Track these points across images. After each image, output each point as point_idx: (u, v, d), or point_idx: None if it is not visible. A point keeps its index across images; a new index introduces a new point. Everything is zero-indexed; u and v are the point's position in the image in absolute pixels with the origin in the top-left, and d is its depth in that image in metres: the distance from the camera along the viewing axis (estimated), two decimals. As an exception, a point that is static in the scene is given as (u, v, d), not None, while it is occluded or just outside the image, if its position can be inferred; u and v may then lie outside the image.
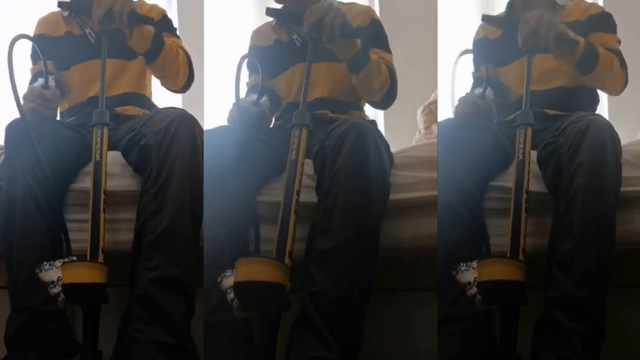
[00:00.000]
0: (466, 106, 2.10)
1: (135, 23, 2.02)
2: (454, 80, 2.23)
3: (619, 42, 2.19)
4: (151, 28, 2.08)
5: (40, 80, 2.11)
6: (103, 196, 1.88)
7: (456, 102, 2.15)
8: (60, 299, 1.82)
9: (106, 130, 1.94)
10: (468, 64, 2.34)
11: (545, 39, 1.94)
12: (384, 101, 2.19)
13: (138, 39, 2.06)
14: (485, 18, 2.15)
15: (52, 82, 2.11)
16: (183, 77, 2.20)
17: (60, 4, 2.20)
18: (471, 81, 2.33)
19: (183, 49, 2.21)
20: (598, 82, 2.15)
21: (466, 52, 2.31)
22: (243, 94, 2.29)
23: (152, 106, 2.32)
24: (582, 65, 2.06)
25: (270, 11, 2.13)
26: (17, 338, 1.91)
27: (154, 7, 2.34)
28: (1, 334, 1.94)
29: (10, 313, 1.93)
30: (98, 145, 1.93)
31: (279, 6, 2.25)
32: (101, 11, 1.96)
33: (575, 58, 2.03)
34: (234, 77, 1.98)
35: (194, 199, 1.92)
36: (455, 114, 2.14)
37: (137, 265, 1.91)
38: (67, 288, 1.80)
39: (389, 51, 2.24)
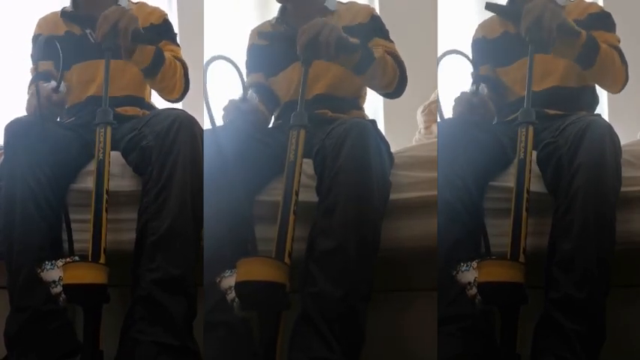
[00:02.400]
0: (461, 105, 2.10)
1: (138, 41, 2.01)
2: (438, 81, 2.21)
3: (619, 41, 2.19)
4: (152, 48, 2.08)
5: (53, 83, 2.10)
6: (105, 196, 1.88)
7: (450, 102, 2.16)
8: (61, 299, 1.82)
9: (109, 129, 1.95)
10: (467, 64, 2.34)
11: (549, 29, 1.92)
12: (396, 90, 2.18)
13: (139, 57, 2.06)
14: (489, 6, 2.13)
15: (63, 88, 2.10)
16: (178, 91, 2.22)
17: (63, 14, 2.20)
18: (470, 81, 2.33)
19: (181, 61, 2.22)
20: (598, 77, 2.13)
21: (450, 52, 2.26)
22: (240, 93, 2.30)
23: (151, 107, 2.32)
24: (583, 58, 2.03)
25: (263, 35, 2.14)
26: (18, 338, 1.91)
27: (155, 10, 2.34)
28: (2, 334, 1.94)
29: (10, 312, 1.93)
30: (101, 144, 1.93)
31: (277, 6, 2.26)
32: (106, 27, 1.96)
33: (577, 49, 2.01)
34: (202, 81, 1.98)
35: (195, 199, 1.92)
36: (452, 114, 2.14)
37: (139, 266, 1.92)
38: (68, 289, 1.81)
39: (391, 41, 2.23)
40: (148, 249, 1.90)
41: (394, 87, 2.16)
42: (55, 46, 2.06)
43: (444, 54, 2.21)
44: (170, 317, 1.87)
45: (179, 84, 2.19)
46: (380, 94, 2.24)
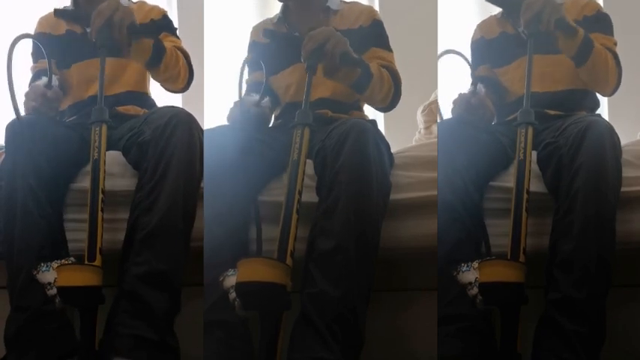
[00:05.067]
0: (460, 106, 2.10)
1: (134, 36, 1.99)
2: (438, 81, 2.21)
3: (615, 44, 2.19)
4: (149, 41, 2.06)
5: (44, 79, 2.10)
6: (101, 195, 1.88)
7: (445, 103, 2.15)
8: (57, 300, 1.81)
9: (104, 127, 1.94)
10: (467, 64, 2.34)
11: (547, 22, 1.93)
12: (390, 105, 2.20)
13: (137, 53, 2.04)
14: None
15: (55, 81, 2.10)
16: (183, 80, 2.21)
17: (57, 12, 2.19)
18: (469, 81, 2.32)
19: (183, 50, 2.21)
20: (590, 76, 2.13)
21: (448, 52, 2.26)
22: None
23: (153, 104, 2.32)
24: (577, 55, 2.05)
25: (267, 33, 2.13)
26: (17, 338, 1.90)
27: (155, 7, 2.34)
28: (1, 334, 1.94)
29: (9, 312, 1.93)
30: (96, 144, 1.92)
31: (278, 4, 2.26)
32: (99, 22, 1.94)
33: (573, 46, 2.03)
34: (238, 79, 1.96)
35: (187, 197, 1.91)
36: (451, 115, 2.14)
37: (127, 260, 1.91)
38: (62, 291, 1.80)
39: (390, 50, 2.24)
40: (136, 244, 1.89)
41: (388, 102, 2.17)
42: (50, 45, 2.05)
43: (442, 53, 2.21)
44: (151, 312, 1.86)
45: (183, 72, 2.18)
46: (373, 107, 2.25)
